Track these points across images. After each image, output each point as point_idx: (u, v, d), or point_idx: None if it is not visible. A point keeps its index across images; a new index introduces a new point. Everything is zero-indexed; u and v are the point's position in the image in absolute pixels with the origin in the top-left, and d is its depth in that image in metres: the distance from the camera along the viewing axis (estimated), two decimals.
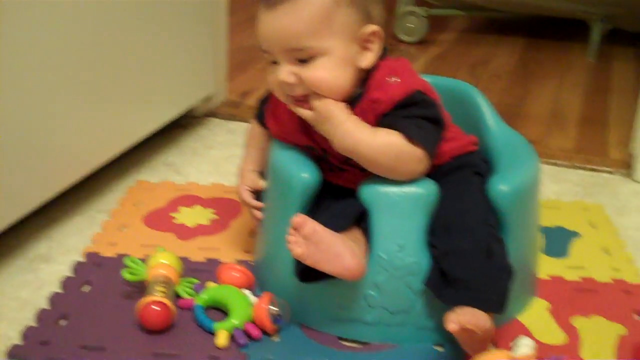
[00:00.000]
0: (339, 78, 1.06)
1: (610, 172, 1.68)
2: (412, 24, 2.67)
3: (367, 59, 1.08)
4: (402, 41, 2.67)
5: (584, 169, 1.70)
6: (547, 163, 1.69)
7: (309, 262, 1.00)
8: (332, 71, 1.05)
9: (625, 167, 1.69)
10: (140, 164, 1.63)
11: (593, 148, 1.81)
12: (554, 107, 2.08)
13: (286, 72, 1.05)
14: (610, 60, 2.51)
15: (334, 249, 1.00)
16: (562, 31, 2.83)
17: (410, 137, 1.04)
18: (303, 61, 1.04)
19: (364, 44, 1.07)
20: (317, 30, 1.03)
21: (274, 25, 1.04)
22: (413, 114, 1.05)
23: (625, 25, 2.59)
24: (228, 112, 1.95)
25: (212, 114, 1.93)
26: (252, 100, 2.04)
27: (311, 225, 1.00)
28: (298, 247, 0.99)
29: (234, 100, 2.04)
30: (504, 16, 2.87)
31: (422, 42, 2.68)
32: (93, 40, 1.38)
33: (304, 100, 1.07)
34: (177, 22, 1.67)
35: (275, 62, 1.07)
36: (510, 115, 1.98)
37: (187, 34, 1.72)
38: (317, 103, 1.05)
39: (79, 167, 1.41)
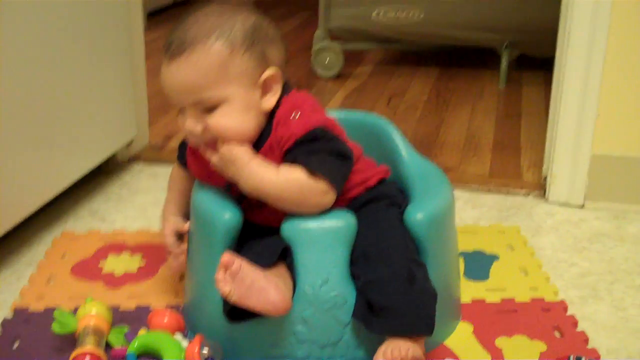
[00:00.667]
0: (243, 123, 1.09)
1: (524, 195, 1.75)
2: (329, 58, 2.73)
3: (269, 102, 1.12)
4: (319, 76, 2.72)
5: (500, 192, 1.76)
6: (464, 189, 1.75)
7: (234, 299, 1.02)
8: (234, 118, 1.09)
9: (538, 188, 1.76)
10: (66, 213, 1.63)
11: (507, 172, 1.88)
12: (468, 134, 2.15)
13: (192, 122, 1.09)
14: (520, 86, 2.61)
15: (258, 285, 1.02)
16: (474, 60, 2.93)
17: (312, 171, 1.07)
18: (206, 109, 1.08)
19: (264, 88, 1.11)
20: (214, 80, 1.07)
21: (174, 78, 1.08)
22: (315, 149, 1.09)
23: (531, 51, 2.70)
24: (151, 155, 1.96)
25: (136, 158, 1.94)
26: (175, 143, 2.05)
27: (238, 263, 1.02)
28: (225, 286, 1.01)
29: (157, 143, 2.05)
30: (417, 48, 2.95)
31: (339, 77, 2.74)
32: (12, 94, 1.38)
33: (213, 144, 1.11)
34: (96, 69, 1.68)
35: (182, 111, 1.11)
36: (427, 144, 2.05)
37: (106, 80, 1.73)
38: (221, 149, 1.09)
39: (3, 220, 1.40)
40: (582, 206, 1.68)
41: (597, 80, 1.61)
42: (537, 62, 2.76)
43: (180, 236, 1.28)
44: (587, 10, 1.58)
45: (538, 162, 1.90)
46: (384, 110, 2.34)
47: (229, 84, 1.08)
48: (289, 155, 1.09)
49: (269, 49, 1.12)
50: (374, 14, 2.71)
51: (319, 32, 2.78)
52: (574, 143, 1.66)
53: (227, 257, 1.02)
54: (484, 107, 2.40)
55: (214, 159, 1.10)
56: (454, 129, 2.19)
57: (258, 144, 1.12)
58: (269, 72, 1.11)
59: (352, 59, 2.89)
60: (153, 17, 3.63)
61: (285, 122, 1.10)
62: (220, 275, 1.02)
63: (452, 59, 2.97)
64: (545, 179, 1.75)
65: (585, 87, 1.62)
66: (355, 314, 1.08)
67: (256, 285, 1.02)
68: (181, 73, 1.07)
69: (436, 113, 2.34)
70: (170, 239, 1.26)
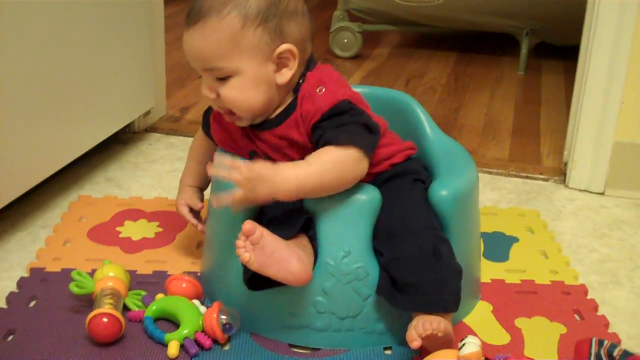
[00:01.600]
0: (251, 97, 1.08)
1: (544, 180, 1.73)
2: (347, 39, 2.71)
3: (284, 76, 1.10)
4: (337, 56, 2.71)
5: (519, 176, 1.75)
6: (483, 172, 1.74)
7: (254, 267, 1.01)
8: (243, 91, 1.08)
9: (558, 174, 1.74)
10: (81, 180, 1.62)
11: (526, 157, 1.86)
12: (487, 119, 2.13)
13: (206, 88, 1.10)
14: (539, 73, 2.59)
15: (279, 254, 1.01)
16: (492, 45, 2.91)
17: (340, 144, 1.05)
18: (221, 79, 1.08)
19: (279, 62, 1.09)
20: (224, 52, 1.06)
21: (190, 44, 1.09)
22: (341, 123, 1.07)
23: (550, 38, 2.67)
24: (168, 126, 1.94)
25: (152, 129, 1.93)
26: (192, 115, 2.04)
27: (259, 231, 1.01)
28: (247, 253, 1.00)
29: (174, 115, 2.04)
30: (435, 31, 2.93)
31: (357, 57, 2.72)
32: (31, 58, 1.37)
33: (231, 113, 1.11)
34: (116, 39, 1.66)
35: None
36: (446, 126, 2.02)
37: (126, 50, 1.71)
38: (240, 175, 1.02)
39: (20, 183, 1.39)
40: (603, 193, 1.66)
41: (623, 66, 1.59)
42: (556, 50, 2.74)
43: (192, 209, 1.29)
44: None
45: (558, 148, 1.88)
46: (402, 91, 2.31)
47: (239, 57, 1.07)
48: (317, 131, 1.07)
49: (287, 23, 1.08)
50: None
51: (337, 13, 2.76)
52: (597, 129, 1.64)
53: (249, 224, 1.01)
54: (503, 92, 2.38)
55: (237, 193, 1.03)
56: (473, 113, 2.18)
57: (283, 117, 1.10)
58: (283, 47, 1.08)
59: (370, 40, 2.86)
60: None
61: (310, 96, 1.09)
62: (241, 242, 1.01)
63: (470, 44, 2.94)
64: (565, 164, 1.73)
65: (610, 74, 1.60)
66: (379, 290, 1.07)
67: (277, 255, 1.01)
68: (195, 41, 1.07)
69: (455, 96, 2.32)
70: (184, 210, 1.27)
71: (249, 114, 1.10)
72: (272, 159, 1.13)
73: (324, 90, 1.09)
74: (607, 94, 1.61)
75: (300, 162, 1.06)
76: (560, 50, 2.73)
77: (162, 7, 1.94)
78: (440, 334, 1.00)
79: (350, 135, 1.06)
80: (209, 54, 1.06)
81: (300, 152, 1.10)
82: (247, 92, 1.08)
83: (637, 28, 1.56)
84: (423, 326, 1.00)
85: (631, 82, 1.60)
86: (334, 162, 1.05)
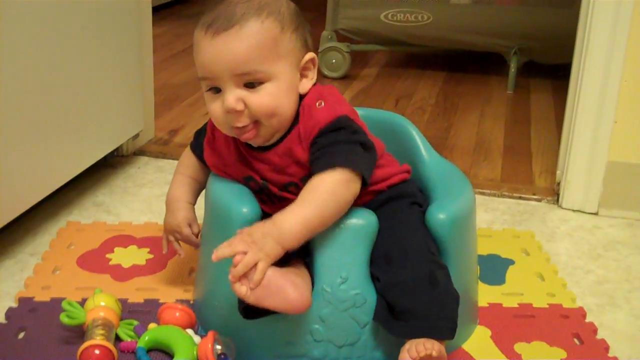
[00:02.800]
0: (284, 105, 1.06)
1: (537, 200, 1.72)
2: (335, 59, 2.70)
3: (305, 85, 1.09)
4: (326, 76, 2.70)
5: (512, 197, 1.74)
6: (476, 192, 1.71)
7: (251, 300, 0.99)
8: (278, 98, 1.05)
9: (551, 194, 1.73)
10: (70, 205, 1.59)
11: (519, 177, 1.85)
12: (478, 139, 2.12)
13: (234, 98, 1.04)
14: (528, 92, 2.59)
15: (275, 284, 0.99)
16: (481, 64, 2.91)
17: (330, 168, 1.02)
18: (250, 86, 1.04)
19: (303, 71, 1.09)
20: (265, 55, 1.04)
21: (221, 50, 1.03)
22: (337, 140, 1.05)
23: (539, 57, 2.68)
24: (156, 150, 1.93)
25: (141, 152, 1.91)
26: (180, 138, 2.02)
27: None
28: (243, 286, 0.98)
29: (162, 137, 2.02)
30: (424, 51, 2.93)
31: (346, 77, 2.71)
32: (18, 82, 1.35)
33: (247, 130, 1.06)
34: (104, 61, 1.65)
35: (216, 90, 1.06)
36: (437, 147, 1.98)
37: (114, 72, 1.70)
38: (243, 242, 0.98)
39: (7, 210, 1.36)
40: (596, 213, 1.65)
41: (615, 86, 1.59)
42: (544, 69, 2.75)
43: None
44: (608, 17, 1.56)
45: (550, 168, 1.88)
46: (392, 111, 2.31)
47: (278, 61, 1.05)
48: (313, 147, 1.06)
49: (308, 34, 1.11)
50: (382, 15, 2.69)
51: (326, 33, 2.76)
52: (590, 149, 1.64)
53: (239, 256, 0.98)
54: (492, 112, 2.37)
55: (248, 257, 0.98)
56: (464, 132, 2.17)
57: (285, 132, 1.09)
58: (309, 56, 1.09)
59: (358, 60, 2.86)
60: (158, 12, 3.60)
61: (310, 110, 1.07)
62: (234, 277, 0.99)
63: (458, 63, 2.94)
64: (558, 184, 1.72)
65: (603, 93, 1.60)
66: (376, 316, 1.05)
67: (273, 285, 0.99)
68: (231, 46, 1.03)
69: (444, 116, 2.32)
70: (185, 229, 1.22)
71: (279, 124, 1.07)
72: (269, 182, 1.11)
73: (323, 104, 1.08)
74: (600, 114, 1.61)
75: (296, 205, 1.02)
76: (548, 69, 2.73)
77: (151, 28, 1.93)
78: (434, 354, 0.98)
79: (345, 156, 1.04)
80: (248, 58, 1.03)
81: (304, 170, 1.08)
82: (281, 99, 1.06)
83: (629, 47, 1.56)
84: (417, 348, 0.98)
85: (623, 101, 1.59)
86: (329, 193, 1.02)
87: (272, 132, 1.08)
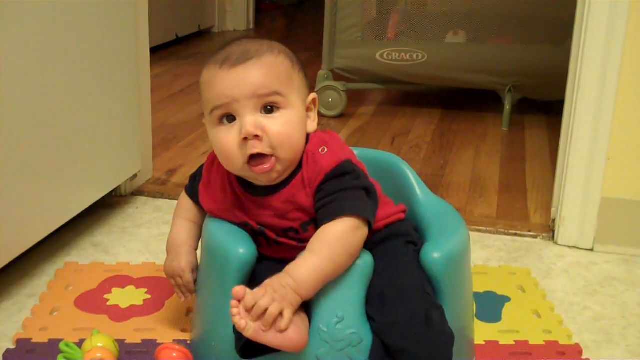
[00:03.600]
0: (298, 135, 1.08)
1: (533, 237, 1.73)
2: (332, 98, 2.73)
3: (311, 125, 1.12)
4: (322, 115, 2.72)
5: (508, 234, 1.74)
6: (471, 230, 1.73)
7: (249, 333, 0.98)
8: (294, 127, 1.07)
9: (547, 230, 1.74)
10: (68, 245, 1.60)
11: (514, 214, 1.86)
12: (473, 176, 2.14)
13: (252, 124, 1.04)
14: (523, 129, 2.61)
15: (277, 322, 0.99)
16: (476, 102, 2.93)
17: (339, 216, 1.04)
18: (268, 112, 1.06)
19: (307, 111, 1.12)
20: (283, 81, 1.07)
21: (242, 76, 1.05)
22: (343, 187, 1.06)
23: (533, 94, 2.70)
24: (154, 190, 1.94)
25: (139, 192, 1.92)
26: (178, 178, 2.04)
27: (251, 297, 0.99)
28: (242, 320, 0.98)
29: (160, 177, 2.03)
30: (419, 89, 2.96)
31: (342, 116, 2.74)
32: (15, 123, 1.36)
33: (266, 161, 1.06)
34: (102, 101, 1.66)
35: (230, 120, 1.06)
36: (432, 184, 2.03)
37: (112, 113, 1.71)
38: (266, 298, 0.99)
39: (5, 252, 1.37)
40: (592, 249, 1.66)
41: (607, 122, 1.61)
42: (538, 105, 2.77)
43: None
44: (599, 53, 1.58)
45: (545, 204, 1.89)
46: (388, 150, 2.32)
47: (292, 91, 1.08)
48: (319, 194, 1.07)
49: (305, 77, 1.13)
50: (377, 55, 2.71)
51: (322, 72, 2.79)
52: (584, 186, 1.65)
53: (239, 288, 0.99)
54: (487, 148, 2.39)
55: (274, 308, 0.98)
56: (459, 170, 2.18)
57: (289, 179, 1.10)
58: (313, 96, 1.13)
59: (355, 99, 2.89)
60: (155, 52, 3.63)
61: (313, 157, 1.09)
62: (235, 309, 0.99)
63: (454, 101, 2.97)
64: (553, 221, 1.73)
65: (595, 130, 1.62)
66: (372, 356, 1.05)
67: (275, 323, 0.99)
68: (250, 73, 1.05)
69: (440, 154, 2.33)
70: (188, 275, 1.21)
71: (293, 158, 1.07)
72: (266, 227, 1.12)
73: (326, 150, 1.09)
74: (593, 150, 1.63)
75: (307, 254, 1.03)
76: (542, 106, 2.76)
77: (149, 68, 1.95)
78: None
79: (352, 203, 1.05)
80: (269, 80, 1.05)
81: (306, 215, 1.10)
82: (296, 129, 1.07)
83: (621, 83, 1.58)
84: None
85: (616, 138, 1.61)
86: (339, 240, 1.04)
87: (285, 168, 1.08)
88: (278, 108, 1.06)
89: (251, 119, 1.04)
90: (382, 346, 1.04)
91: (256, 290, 1.00)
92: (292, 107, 1.07)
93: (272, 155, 1.06)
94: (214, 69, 1.07)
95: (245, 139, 1.04)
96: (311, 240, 1.04)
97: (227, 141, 1.07)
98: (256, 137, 1.04)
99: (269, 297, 0.99)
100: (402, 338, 1.02)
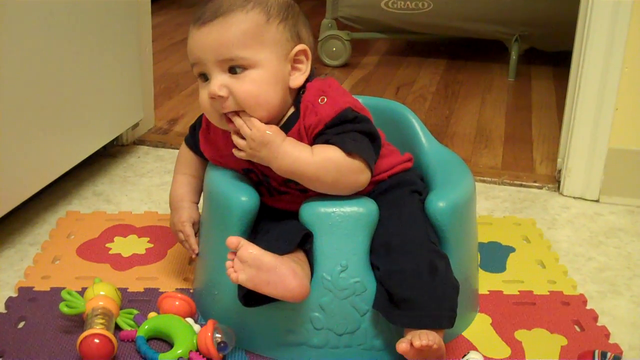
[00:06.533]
0: (268, 93, 1.06)
1: (538, 188, 1.72)
2: (335, 47, 2.70)
3: (297, 79, 1.09)
4: (326, 65, 2.69)
5: (513, 185, 1.73)
6: (477, 181, 1.72)
7: (249, 285, 0.99)
8: (261, 85, 1.05)
9: (552, 182, 1.73)
10: (70, 195, 1.59)
11: (520, 165, 1.84)
12: (478, 126, 2.12)
13: (217, 85, 1.05)
14: (529, 79, 2.58)
15: (275, 271, 0.99)
16: (482, 52, 2.90)
17: (347, 150, 1.04)
18: (233, 72, 1.05)
19: (294, 64, 1.08)
20: (249, 42, 1.04)
21: (206, 37, 1.05)
22: (346, 130, 1.05)
23: (540, 44, 2.67)
24: (156, 139, 1.92)
25: (140, 141, 1.90)
26: (180, 127, 2.02)
27: (246, 249, 0.99)
28: (234, 273, 0.98)
29: (162, 127, 2.02)
30: (424, 39, 2.92)
31: (346, 65, 2.71)
32: (16, 73, 1.34)
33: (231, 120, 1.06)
34: (103, 50, 1.64)
35: (205, 78, 1.07)
36: (437, 135, 1.98)
37: (113, 61, 1.69)
38: (251, 131, 1.04)
39: (6, 200, 1.36)
40: (597, 200, 1.65)
41: (616, 73, 1.58)
42: (545, 56, 2.74)
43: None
44: (608, 4, 1.55)
45: (550, 155, 1.87)
46: (392, 99, 2.30)
47: (262, 49, 1.05)
48: (320, 138, 1.06)
49: (301, 27, 1.10)
50: (382, 3, 2.68)
51: (326, 21, 2.75)
52: (591, 137, 1.63)
53: (233, 238, 0.99)
54: (493, 99, 2.37)
55: (241, 142, 1.06)
56: (464, 120, 2.16)
57: (285, 129, 1.08)
58: (300, 47, 1.09)
59: (359, 48, 2.85)
60: (157, 1, 3.58)
61: (313, 107, 1.07)
62: (229, 262, 0.99)
63: (459, 51, 2.93)
64: (559, 172, 1.72)
65: (603, 81, 1.59)
66: (376, 305, 1.05)
67: (273, 272, 0.99)
68: (215, 33, 1.04)
69: (445, 104, 2.31)
70: (189, 229, 1.21)
71: (263, 113, 1.06)
72: (269, 177, 1.11)
73: (326, 99, 1.07)
74: (601, 101, 1.60)
75: (306, 147, 1.05)
76: (549, 56, 2.73)
77: (150, 17, 1.92)
78: (434, 346, 0.98)
79: (357, 143, 1.05)
80: (231, 43, 1.04)
81: None
82: (265, 87, 1.05)
83: (630, 35, 1.55)
84: (420, 337, 0.98)
85: (624, 88, 1.58)
86: (335, 166, 1.04)
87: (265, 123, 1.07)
88: (244, 68, 1.05)
89: (216, 81, 1.05)
90: (386, 295, 1.03)
91: (254, 125, 1.04)
92: (260, 66, 1.05)
93: (243, 112, 1.06)
94: (191, 24, 1.08)
95: (213, 98, 1.06)
96: (318, 145, 1.05)
97: (202, 99, 1.09)
98: (221, 97, 1.05)
99: (247, 131, 1.04)
100: (406, 286, 1.02)
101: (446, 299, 1.03)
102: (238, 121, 1.05)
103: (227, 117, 1.07)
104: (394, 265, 1.04)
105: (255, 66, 1.05)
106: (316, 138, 1.07)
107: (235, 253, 0.99)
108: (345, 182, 1.06)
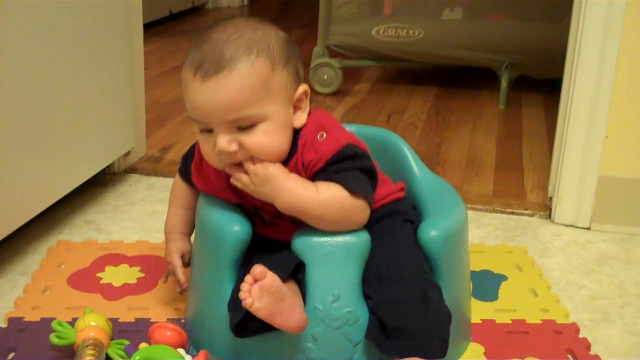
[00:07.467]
0: (280, 142, 1.05)
1: (529, 215, 1.72)
2: (327, 75, 2.71)
3: (300, 119, 1.08)
4: (317, 92, 2.70)
5: (504, 212, 1.73)
6: (468, 208, 1.71)
7: (262, 314, 0.98)
8: (271, 135, 1.03)
9: (543, 209, 1.73)
10: (61, 224, 1.58)
11: (511, 192, 1.85)
12: (469, 154, 2.12)
13: (227, 141, 1.02)
14: (520, 106, 2.60)
15: (287, 303, 0.99)
16: (472, 80, 2.92)
17: (351, 190, 1.04)
18: (243, 128, 1.02)
19: (296, 103, 1.07)
20: (257, 98, 1.01)
21: (211, 96, 1.00)
22: (347, 167, 1.05)
23: (530, 72, 2.69)
24: (148, 167, 1.92)
25: (132, 169, 1.90)
26: (172, 155, 2.02)
27: (272, 278, 0.98)
28: (250, 298, 0.96)
29: (154, 155, 2.02)
30: (415, 66, 2.94)
31: (337, 93, 2.72)
32: (8, 100, 1.34)
33: (241, 169, 1.05)
34: (95, 79, 1.64)
35: (208, 131, 1.04)
36: (429, 162, 1.99)
37: (105, 90, 1.69)
38: (254, 167, 1.03)
39: None
40: (589, 228, 1.65)
41: (606, 101, 1.59)
42: (535, 83, 2.75)
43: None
44: (598, 31, 1.56)
45: (542, 182, 1.88)
46: (384, 127, 2.30)
47: (270, 101, 1.03)
48: (321, 175, 1.05)
49: (299, 65, 1.08)
50: (373, 31, 2.69)
51: (317, 49, 2.76)
52: (582, 164, 1.63)
53: (260, 268, 0.97)
54: (484, 127, 2.38)
55: (245, 179, 1.04)
56: (455, 148, 2.17)
57: (282, 163, 1.07)
58: (302, 88, 1.07)
59: (350, 76, 2.87)
60: (149, 29, 3.60)
61: (312, 144, 1.06)
62: (246, 285, 0.97)
63: (450, 78, 2.95)
64: (550, 199, 1.72)
65: (594, 108, 1.60)
66: (368, 335, 1.05)
67: (286, 303, 0.99)
68: (221, 91, 1.00)
69: (436, 131, 2.32)
70: (176, 260, 1.22)
71: (274, 159, 1.05)
72: (261, 209, 1.11)
73: (325, 135, 1.06)
74: (591, 128, 1.61)
75: (310, 184, 1.04)
76: (539, 84, 2.74)
77: (142, 44, 1.92)
78: None
79: (359, 183, 1.05)
80: (240, 104, 1.00)
81: None
82: (275, 137, 1.04)
83: (619, 63, 1.56)
84: None
85: (614, 116, 1.59)
86: (340, 204, 1.04)
87: None
88: (253, 124, 1.02)
89: (224, 138, 1.02)
90: (379, 324, 1.03)
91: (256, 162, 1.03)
92: (270, 118, 1.03)
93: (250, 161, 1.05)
94: (189, 74, 1.02)
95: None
96: (322, 182, 1.04)
97: (206, 150, 1.07)
98: (232, 152, 1.03)
99: (251, 167, 1.03)
100: (399, 316, 1.01)
101: (439, 328, 1.02)
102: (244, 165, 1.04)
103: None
104: (386, 294, 1.04)
105: (265, 119, 1.02)
106: (316, 174, 1.06)
107: (255, 279, 0.98)
108: (349, 221, 1.06)
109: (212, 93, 1.00)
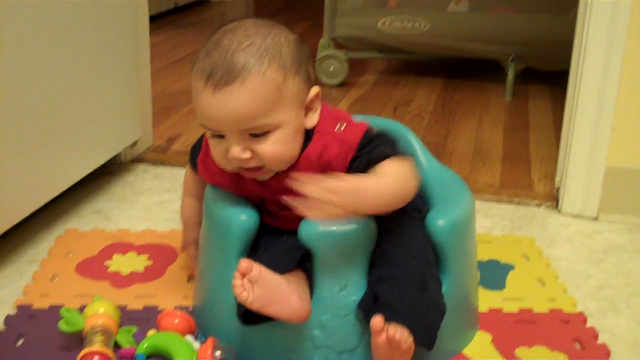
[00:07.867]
0: (293, 148, 1.05)
1: (536, 206, 1.72)
2: (333, 67, 2.71)
3: (312, 119, 1.07)
4: (324, 84, 2.70)
5: (511, 203, 1.73)
6: (475, 199, 1.71)
7: (255, 306, 0.98)
8: (284, 143, 1.03)
9: (550, 200, 1.73)
10: (68, 213, 1.59)
11: (518, 183, 1.85)
12: (476, 145, 2.12)
13: (240, 148, 1.02)
14: (526, 98, 2.59)
15: (280, 292, 0.99)
16: (479, 71, 2.91)
17: (393, 157, 1.04)
18: (256, 135, 1.02)
19: (308, 105, 1.07)
20: (269, 107, 1.01)
21: (224, 107, 1.00)
22: (378, 144, 1.06)
23: (536, 64, 2.68)
24: (155, 157, 1.92)
25: (139, 159, 1.90)
26: (178, 145, 2.02)
27: (257, 269, 0.98)
28: (244, 292, 0.97)
29: (160, 145, 2.02)
30: (421, 58, 2.93)
31: (344, 85, 2.71)
32: (14, 90, 1.35)
33: (256, 169, 1.05)
34: (102, 69, 1.64)
35: (219, 136, 1.04)
36: (435, 153, 1.97)
37: (112, 80, 1.70)
38: (338, 195, 0.97)
39: (5, 218, 1.36)
40: (596, 218, 1.65)
41: (613, 92, 1.59)
42: (542, 75, 2.75)
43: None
44: (605, 22, 1.56)
45: (549, 173, 1.87)
46: (390, 118, 2.31)
47: (282, 110, 1.02)
48: (358, 162, 1.05)
49: (310, 67, 1.07)
50: (379, 23, 2.69)
51: (323, 41, 2.76)
52: (589, 155, 1.63)
53: (245, 262, 0.98)
54: (491, 118, 2.37)
55: (330, 210, 0.97)
56: (462, 139, 2.17)
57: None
58: (314, 91, 1.07)
59: (356, 68, 2.86)
60: (155, 20, 3.60)
61: (333, 136, 1.06)
62: (238, 281, 0.98)
63: (456, 70, 2.94)
64: (557, 190, 1.72)
65: (601, 99, 1.60)
66: (360, 304, 1.05)
67: (278, 293, 0.99)
68: (234, 103, 0.99)
69: (443, 123, 2.32)
70: (192, 249, 1.25)
71: (285, 166, 1.05)
72: (266, 201, 1.11)
73: (344, 126, 1.06)
74: (598, 119, 1.61)
75: (367, 176, 1.02)
76: (546, 75, 2.74)
77: (148, 36, 1.93)
78: (404, 347, 0.97)
79: (397, 149, 1.06)
80: (253, 114, 0.99)
81: None
82: (288, 144, 1.03)
83: (627, 53, 1.56)
84: (396, 329, 0.96)
85: (621, 107, 1.59)
86: (399, 173, 1.03)
87: (278, 170, 1.07)
88: (266, 132, 1.02)
89: (237, 146, 1.02)
90: (373, 298, 1.03)
91: (329, 185, 0.97)
92: (283, 125, 1.02)
93: (263, 166, 1.05)
94: (199, 83, 1.01)
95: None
96: (371, 171, 1.03)
97: (217, 153, 1.06)
98: (244, 159, 1.03)
99: (335, 198, 0.96)
100: (392, 292, 1.01)
101: (429, 318, 1.02)
102: (308, 189, 0.97)
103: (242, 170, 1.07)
104: (386, 270, 1.04)
105: (278, 127, 1.02)
106: (352, 164, 1.05)
107: (243, 273, 0.98)
108: (412, 184, 1.05)
109: (225, 104, 1.00)
